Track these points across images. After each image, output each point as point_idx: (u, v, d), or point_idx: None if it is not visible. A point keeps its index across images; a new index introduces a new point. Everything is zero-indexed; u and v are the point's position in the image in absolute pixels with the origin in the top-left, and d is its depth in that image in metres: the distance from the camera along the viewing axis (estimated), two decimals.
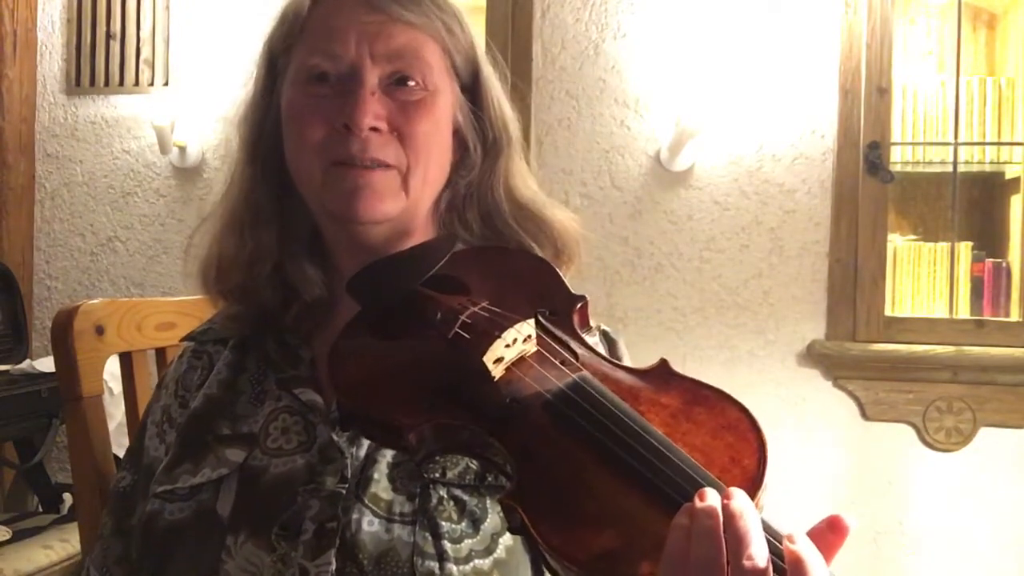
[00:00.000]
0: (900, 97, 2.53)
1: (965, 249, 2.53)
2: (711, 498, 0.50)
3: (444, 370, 0.65)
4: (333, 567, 0.68)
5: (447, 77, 0.80)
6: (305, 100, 0.77)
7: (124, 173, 2.89)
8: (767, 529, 0.50)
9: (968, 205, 2.69)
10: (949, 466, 2.42)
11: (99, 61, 2.90)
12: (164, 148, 2.78)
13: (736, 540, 0.48)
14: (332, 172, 0.76)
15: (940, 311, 2.50)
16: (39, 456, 2.44)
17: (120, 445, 1.00)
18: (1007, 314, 2.47)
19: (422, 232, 0.83)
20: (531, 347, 0.65)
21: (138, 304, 1.11)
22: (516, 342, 0.64)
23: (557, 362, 0.63)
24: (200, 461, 0.76)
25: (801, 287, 2.48)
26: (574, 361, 0.64)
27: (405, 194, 0.78)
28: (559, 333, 0.68)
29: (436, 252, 0.76)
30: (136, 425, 1.00)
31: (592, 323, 0.81)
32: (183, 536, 0.74)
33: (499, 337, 0.63)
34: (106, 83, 2.89)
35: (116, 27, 2.88)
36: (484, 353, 0.62)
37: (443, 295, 0.71)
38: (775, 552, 0.49)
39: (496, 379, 0.62)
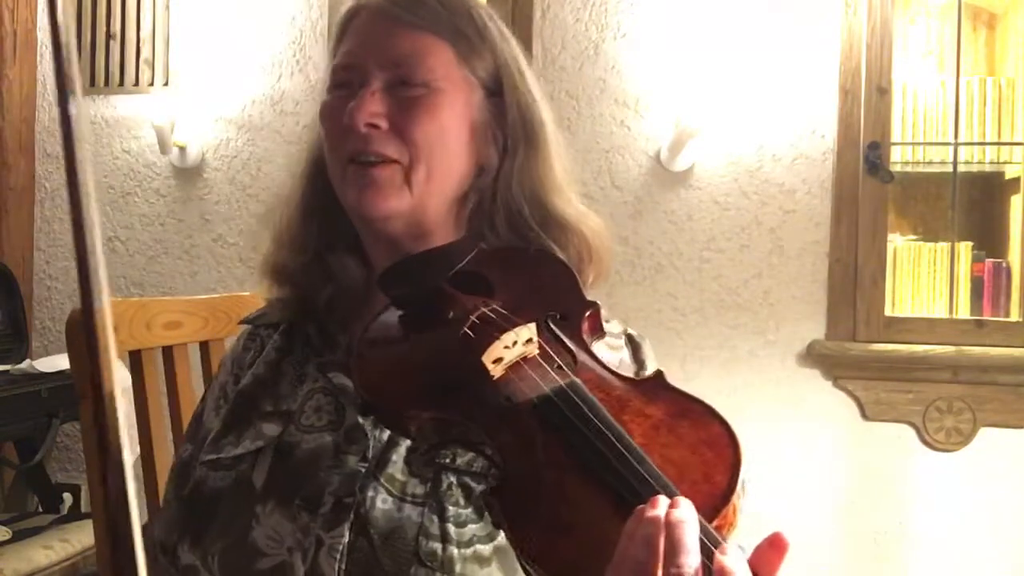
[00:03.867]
0: (900, 97, 2.53)
1: (965, 249, 2.53)
2: (661, 507, 0.52)
3: (451, 367, 0.67)
4: (346, 539, 0.73)
5: (460, 78, 0.83)
6: (328, 103, 0.84)
7: (124, 173, 2.89)
8: (709, 538, 0.52)
9: (968, 205, 2.69)
10: (949, 466, 2.42)
11: (99, 61, 2.90)
12: (164, 148, 2.78)
13: (671, 547, 0.50)
14: (348, 169, 0.82)
15: (940, 311, 2.50)
16: (39, 456, 2.44)
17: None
18: (1007, 314, 2.48)
19: (444, 231, 0.85)
20: (532, 350, 0.67)
21: (147, 303, 1.15)
22: (516, 344, 0.66)
23: (553, 367, 0.65)
24: (242, 434, 0.83)
25: (801, 287, 2.48)
26: (570, 366, 0.66)
27: (408, 189, 0.81)
28: (564, 338, 0.70)
29: (459, 251, 0.80)
30: (145, 423, 1.11)
31: (620, 327, 0.88)
32: (221, 503, 0.80)
33: (498, 338, 0.65)
34: (106, 83, 2.89)
35: (116, 27, 2.88)
36: (483, 352, 0.65)
37: (462, 294, 0.74)
38: (709, 561, 0.51)
39: (496, 379, 0.65)
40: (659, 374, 0.66)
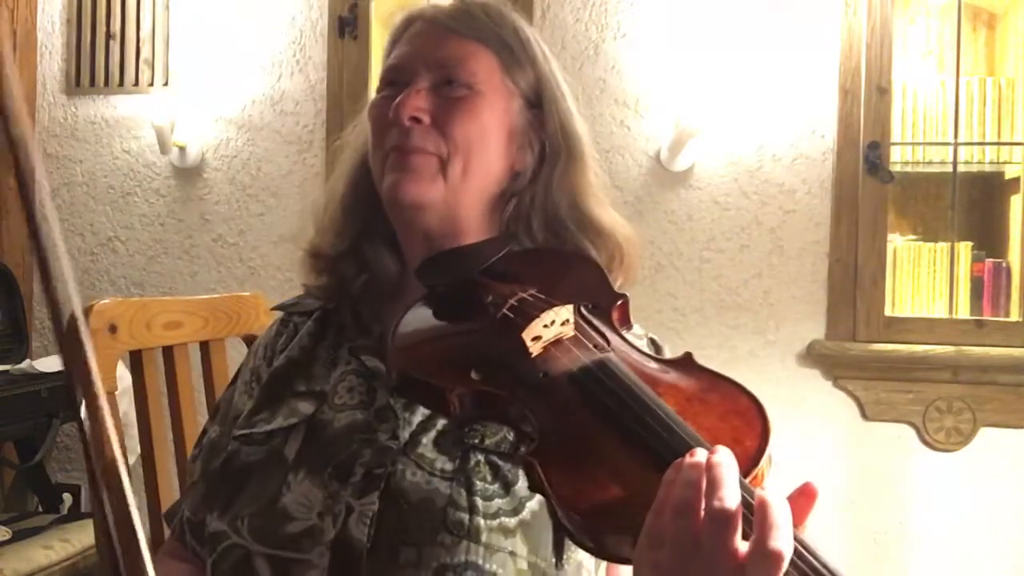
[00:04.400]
0: (900, 97, 2.53)
1: (965, 249, 2.53)
2: (700, 456, 0.54)
3: (489, 346, 0.72)
4: (376, 507, 0.76)
5: (500, 85, 0.88)
6: (375, 101, 0.89)
7: (124, 173, 2.89)
8: (744, 488, 0.53)
9: (968, 205, 2.69)
10: (949, 466, 2.42)
11: (99, 61, 2.90)
12: (164, 148, 2.78)
13: (711, 485, 0.52)
14: (389, 157, 0.86)
15: (940, 311, 2.50)
16: (39, 456, 2.44)
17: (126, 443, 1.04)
18: (1007, 314, 2.48)
19: (478, 232, 0.89)
20: (568, 331, 0.71)
21: (148, 303, 1.15)
22: (554, 324, 0.70)
23: (590, 346, 0.70)
24: (276, 411, 0.87)
25: (801, 287, 2.48)
26: (605, 346, 0.70)
27: (443, 180, 0.85)
28: (596, 322, 0.74)
29: (493, 247, 0.86)
30: (145, 423, 1.13)
31: (642, 330, 0.92)
32: (252, 475, 0.84)
33: (538, 317, 0.70)
34: (106, 83, 2.89)
35: (116, 27, 2.88)
36: (524, 330, 0.69)
37: (497, 283, 0.78)
38: (748, 503, 0.52)
39: (533, 355, 0.69)
40: (689, 355, 0.69)
